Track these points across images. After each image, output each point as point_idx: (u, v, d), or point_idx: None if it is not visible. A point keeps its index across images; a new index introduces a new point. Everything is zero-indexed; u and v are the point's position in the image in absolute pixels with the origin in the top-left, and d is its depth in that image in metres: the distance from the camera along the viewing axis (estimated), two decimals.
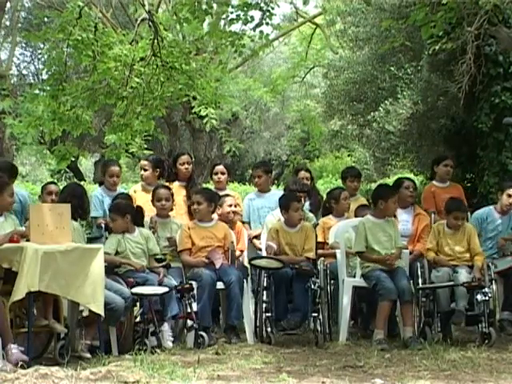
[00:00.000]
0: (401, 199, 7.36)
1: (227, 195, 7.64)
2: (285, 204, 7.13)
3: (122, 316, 6.24)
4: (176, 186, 7.77)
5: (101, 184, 7.88)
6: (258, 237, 7.72)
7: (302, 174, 8.24)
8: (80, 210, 6.63)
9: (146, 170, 7.85)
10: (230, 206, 7.43)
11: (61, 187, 7.43)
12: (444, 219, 7.09)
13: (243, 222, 7.80)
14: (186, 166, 7.93)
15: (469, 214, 7.68)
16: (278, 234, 7.06)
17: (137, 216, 6.83)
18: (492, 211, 7.54)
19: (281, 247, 7.02)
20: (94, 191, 8.01)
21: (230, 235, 7.12)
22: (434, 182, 8.10)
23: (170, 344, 6.37)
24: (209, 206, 7.08)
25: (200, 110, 9.43)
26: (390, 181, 12.17)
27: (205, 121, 9.82)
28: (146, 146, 11.84)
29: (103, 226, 7.19)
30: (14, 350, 5.39)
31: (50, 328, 5.86)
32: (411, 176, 15.75)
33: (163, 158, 8.81)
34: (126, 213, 6.72)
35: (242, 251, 7.48)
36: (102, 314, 5.92)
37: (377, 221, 6.89)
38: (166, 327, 6.42)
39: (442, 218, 7.24)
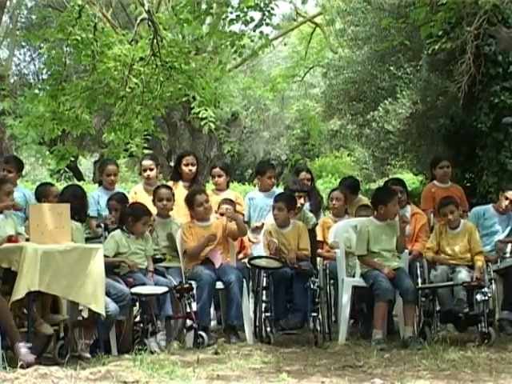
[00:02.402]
0: None
1: (230, 201, 7.41)
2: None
3: (115, 320, 6.21)
4: (180, 187, 7.69)
5: (100, 184, 7.86)
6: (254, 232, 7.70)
7: (303, 174, 8.20)
8: (81, 211, 6.63)
9: (151, 170, 7.76)
10: (222, 215, 7.20)
11: (60, 187, 7.39)
12: (441, 220, 7.10)
13: (245, 222, 7.75)
14: (190, 167, 7.78)
15: (469, 214, 7.69)
16: (272, 235, 7.08)
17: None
18: (490, 209, 7.57)
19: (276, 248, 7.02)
20: (93, 191, 7.98)
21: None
22: (434, 182, 8.09)
23: (163, 343, 6.28)
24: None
25: (199, 112, 9.41)
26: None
27: (203, 123, 9.79)
28: (145, 146, 11.78)
29: (103, 225, 7.18)
30: (23, 349, 5.36)
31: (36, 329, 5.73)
32: (411, 176, 15.83)
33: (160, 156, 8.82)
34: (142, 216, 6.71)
35: (244, 255, 7.47)
36: (104, 313, 5.91)
37: (379, 223, 6.87)
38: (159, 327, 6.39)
39: (440, 219, 7.23)
